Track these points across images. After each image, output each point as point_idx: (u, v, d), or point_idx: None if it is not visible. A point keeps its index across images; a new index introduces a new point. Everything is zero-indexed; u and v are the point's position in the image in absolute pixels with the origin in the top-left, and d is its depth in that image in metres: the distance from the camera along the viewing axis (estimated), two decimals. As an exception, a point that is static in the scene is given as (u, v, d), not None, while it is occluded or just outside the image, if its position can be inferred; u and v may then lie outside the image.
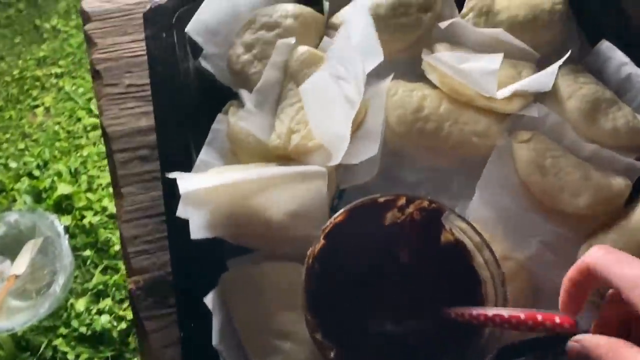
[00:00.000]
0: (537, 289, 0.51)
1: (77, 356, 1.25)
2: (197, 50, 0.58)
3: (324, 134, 0.52)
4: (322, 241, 0.45)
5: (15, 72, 1.66)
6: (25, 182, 1.46)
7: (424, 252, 0.47)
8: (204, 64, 0.58)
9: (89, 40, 0.60)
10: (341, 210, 0.45)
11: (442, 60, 0.54)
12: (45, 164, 1.49)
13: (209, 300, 0.46)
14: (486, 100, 0.54)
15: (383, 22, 0.57)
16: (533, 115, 0.54)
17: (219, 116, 0.56)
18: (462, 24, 0.58)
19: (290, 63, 0.55)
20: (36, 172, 1.47)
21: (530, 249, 0.51)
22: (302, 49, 0.56)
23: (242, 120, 0.53)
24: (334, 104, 0.52)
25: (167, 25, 0.58)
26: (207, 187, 0.47)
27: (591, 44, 0.61)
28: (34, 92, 1.63)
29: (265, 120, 0.54)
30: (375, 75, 0.55)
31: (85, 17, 0.62)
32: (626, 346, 0.30)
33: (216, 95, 0.57)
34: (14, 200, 1.42)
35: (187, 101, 0.55)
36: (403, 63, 0.59)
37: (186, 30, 0.57)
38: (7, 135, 1.57)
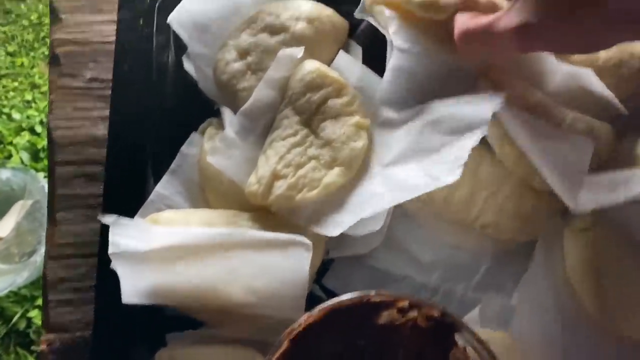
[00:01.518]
0: None
1: (51, 333, 1.17)
2: (182, 47, 0.45)
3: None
4: (285, 346, 0.33)
5: (34, 16, 1.55)
6: (25, 137, 1.36)
7: (422, 375, 0.35)
8: (187, 66, 0.46)
9: (53, 15, 0.48)
10: (317, 309, 0.33)
11: (520, 132, 0.38)
12: (49, 121, 1.40)
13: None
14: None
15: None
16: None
17: (193, 136, 0.44)
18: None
19: (292, 82, 0.42)
20: (38, 128, 1.38)
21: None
22: (311, 65, 0.42)
23: (215, 152, 0.40)
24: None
25: (147, 10, 0.45)
26: (146, 249, 0.35)
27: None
28: (50, 41, 1.53)
29: (246, 155, 0.41)
30: None
31: (55, -16, 0.49)
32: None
33: (196, 109, 0.45)
34: (9, 156, 1.33)
35: (155, 112, 0.43)
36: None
37: (168, 20, 0.44)
38: (16, 84, 1.47)
